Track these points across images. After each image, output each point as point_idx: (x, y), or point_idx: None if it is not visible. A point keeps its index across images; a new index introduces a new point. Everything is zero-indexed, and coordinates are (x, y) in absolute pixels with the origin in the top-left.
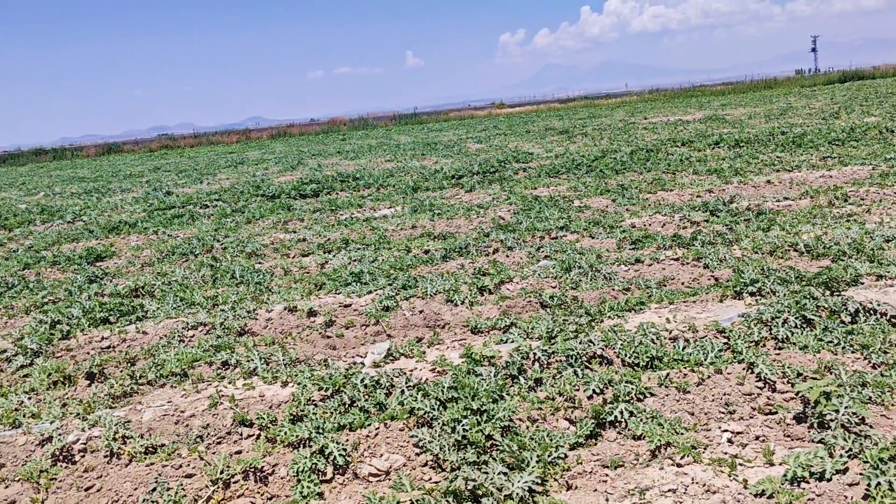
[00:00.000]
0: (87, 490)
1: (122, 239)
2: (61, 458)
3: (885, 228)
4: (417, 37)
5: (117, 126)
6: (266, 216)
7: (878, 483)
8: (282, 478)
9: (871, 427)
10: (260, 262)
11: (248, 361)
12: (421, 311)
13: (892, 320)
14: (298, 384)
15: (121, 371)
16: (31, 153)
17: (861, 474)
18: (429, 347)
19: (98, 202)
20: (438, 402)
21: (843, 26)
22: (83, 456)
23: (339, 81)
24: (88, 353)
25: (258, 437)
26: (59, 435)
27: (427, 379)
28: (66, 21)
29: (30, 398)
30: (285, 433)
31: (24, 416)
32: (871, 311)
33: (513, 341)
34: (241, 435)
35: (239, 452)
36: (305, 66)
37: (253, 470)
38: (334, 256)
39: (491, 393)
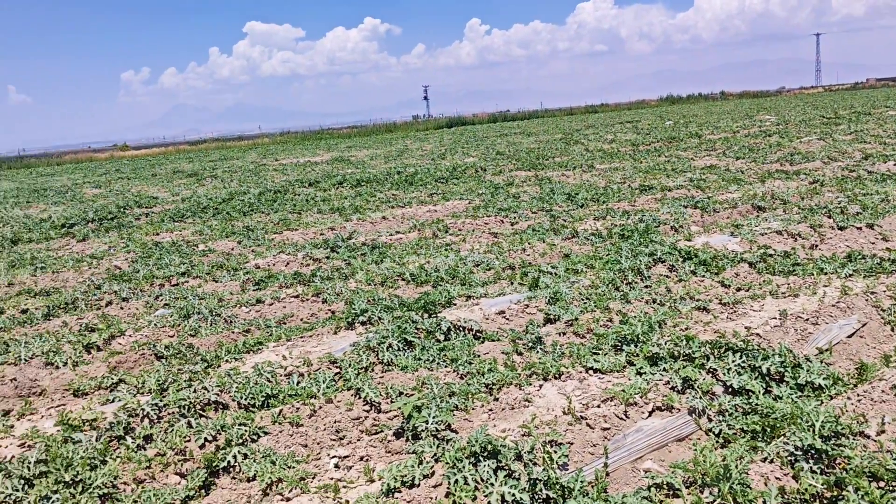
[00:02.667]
0: None
1: None
2: None
3: (474, 254)
4: (22, 70)
5: None
6: None
7: (456, 480)
8: None
9: (455, 432)
10: None
11: None
12: (13, 380)
13: (476, 334)
14: None
15: None
16: None
17: (443, 475)
18: (18, 420)
19: None
20: (24, 481)
21: (449, 78)
22: None
23: None
24: None
25: None
26: None
27: (12, 456)
28: None
29: None
30: None
31: None
32: (460, 328)
33: (120, 399)
34: None
35: None
36: None
37: None
38: None
39: (89, 460)
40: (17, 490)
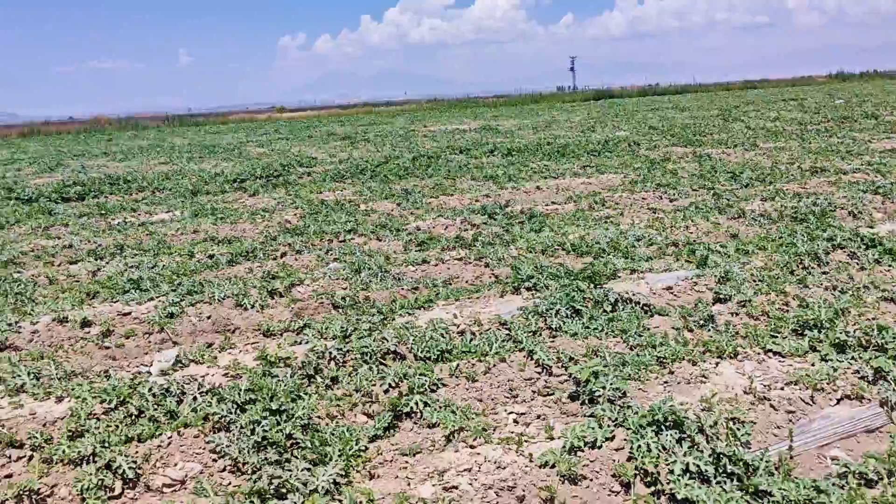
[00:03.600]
0: None
1: None
2: None
3: (635, 229)
4: (190, 34)
5: None
6: (23, 222)
7: (639, 446)
8: (62, 498)
9: (631, 399)
10: (19, 271)
11: (14, 378)
12: (209, 317)
13: (644, 308)
14: (77, 398)
15: None
16: None
17: (625, 440)
18: (220, 352)
19: None
20: (236, 406)
21: (596, 49)
22: None
23: (96, 77)
24: None
25: (30, 458)
26: None
27: (221, 384)
28: None
29: None
30: (64, 451)
31: None
32: (628, 301)
33: (307, 342)
34: (10, 458)
35: (9, 476)
36: (63, 59)
37: (28, 493)
38: (108, 263)
39: (289, 393)
40: (231, 413)
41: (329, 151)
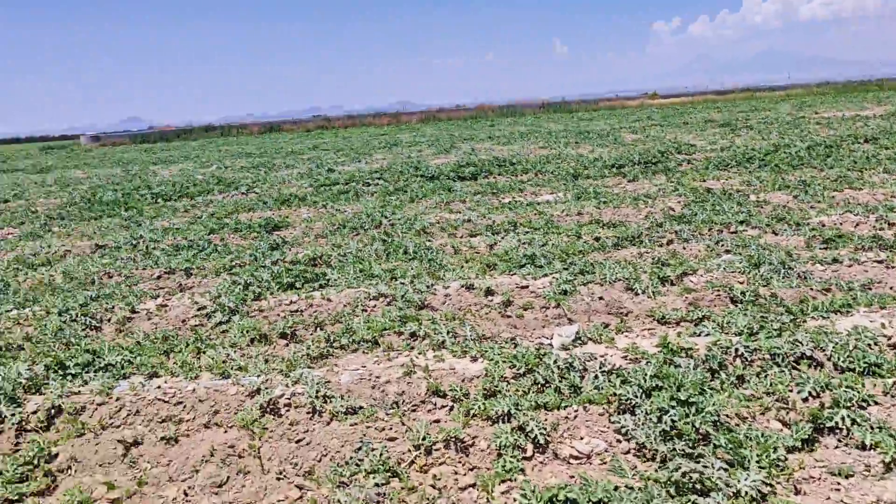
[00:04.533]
0: (297, 442)
1: (294, 211)
2: (268, 409)
3: None
4: (564, 24)
5: (275, 106)
6: (428, 196)
7: None
8: (482, 450)
9: None
10: (429, 240)
11: (436, 334)
12: (601, 298)
13: None
14: (490, 360)
15: (311, 334)
16: (201, 129)
17: None
18: (617, 334)
19: (266, 176)
20: (641, 390)
21: None
22: (288, 410)
23: (485, 68)
24: (279, 314)
25: (451, 408)
26: (266, 388)
27: (621, 366)
28: (230, 9)
29: (234, 352)
30: (480, 407)
31: (231, 368)
32: None
33: (708, 335)
34: (435, 405)
35: (437, 422)
36: (452, 52)
37: (454, 440)
38: (503, 238)
39: (696, 385)
40: (636, 397)
41: (707, 139)
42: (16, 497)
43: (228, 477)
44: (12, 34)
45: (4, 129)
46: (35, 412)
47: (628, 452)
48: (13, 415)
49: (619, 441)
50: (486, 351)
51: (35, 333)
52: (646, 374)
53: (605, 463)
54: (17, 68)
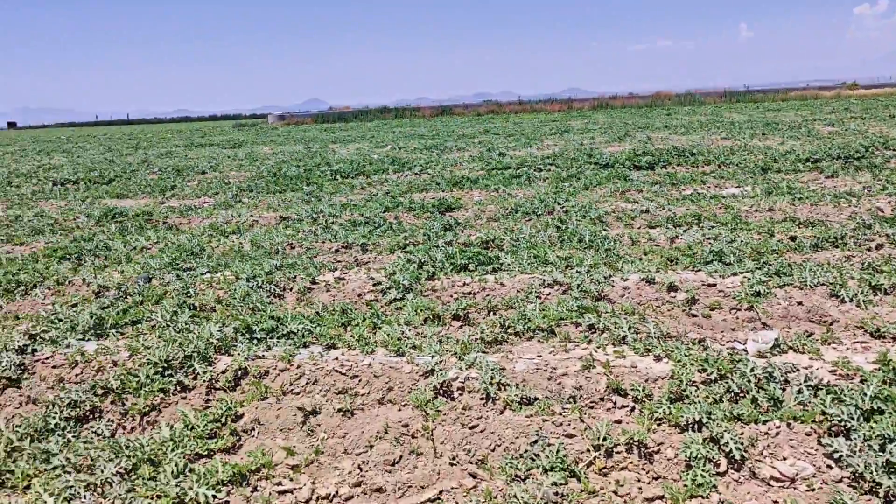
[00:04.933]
0: (470, 428)
1: (466, 193)
2: (442, 391)
3: None
4: (753, 6)
5: (445, 91)
6: (602, 184)
7: None
8: (668, 459)
9: None
10: (605, 229)
11: (616, 328)
12: (800, 303)
13: None
14: (676, 361)
15: (484, 318)
16: (376, 111)
17: None
18: (822, 345)
19: (439, 157)
20: (859, 412)
21: None
22: (461, 394)
23: (660, 55)
24: (452, 295)
25: (633, 409)
26: (440, 370)
27: (830, 381)
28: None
29: (409, 330)
30: (666, 411)
31: (406, 346)
32: None
33: None
34: (615, 404)
35: (618, 422)
36: (625, 38)
37: (637, 444)
38: (685, 231)
39: None
40: (852, 419)
41: None
42: (205, 452)
43: (401, 456)
44: (221, 26)
45: (211, 109)
46: (224, 372)
47: (840, 481)
48: (205, 373)
49: (829, 467)
50: (672, 351)
51: (225, 297)
52: (864, 394)
53: (812, 489)
54: (220, 57)
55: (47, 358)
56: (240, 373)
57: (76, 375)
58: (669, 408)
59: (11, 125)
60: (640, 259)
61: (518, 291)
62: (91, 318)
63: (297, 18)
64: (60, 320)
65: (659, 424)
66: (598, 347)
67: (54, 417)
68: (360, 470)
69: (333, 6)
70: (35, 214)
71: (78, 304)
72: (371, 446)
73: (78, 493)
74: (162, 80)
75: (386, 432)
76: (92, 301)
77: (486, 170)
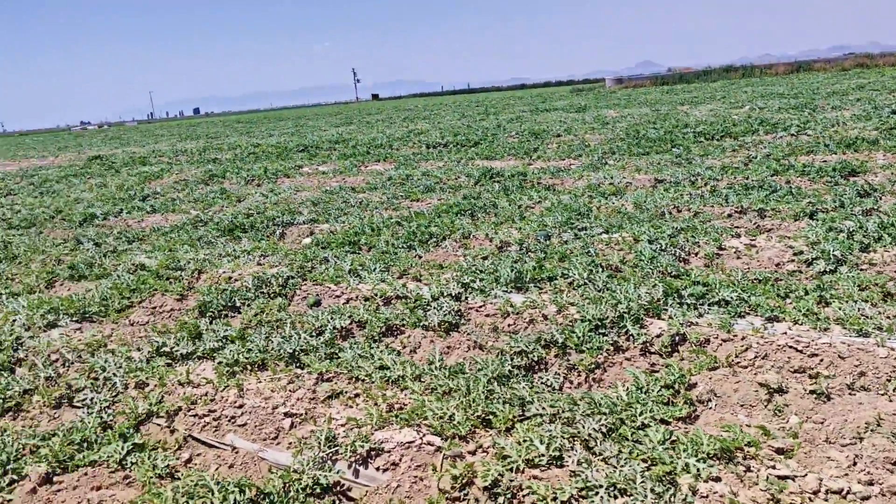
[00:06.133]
0: None
1: (864, 154)
2: None
3: None
4: None
5: (794, 45)
6: None
7: None
8: None
9: None
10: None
11: None
12: None
13: None
14: None
15: None
16: (720, 70)
17: None
18: None
19: (814, 117)
20: None
21: None
22: None
23: None
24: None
25: None
26: None
27: None
28: None
29: (869, 308)
30: None
31: (868, 325)
32: None
33: None
34: None
35: None
36: None
37: None
38: None
39: None
40: None
41: None
42: (667, 418)
43: None
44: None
45: (546, 76)
46: (659, 336)
47: None
48: (638, 335)
49: None
50: None
51: (630, 258)
52: None
53: None
54: (553, 26)
55: (480, 306)
56: (677, 338)
57: (508, 325)
58: None
59: (375, 97)
60: None
61: None
62: (511, 271)
63: None
64: (482, 271)
65: None
66: None
67: (506, 364)
68: (854, 465)
69: None
70: (422, 174)
71: (488, 257)
72: (860, 438)
73: (564, 444)
74: (500, 50)
75: (878, 424)
76: (496, 255)
77: (883, 129)
